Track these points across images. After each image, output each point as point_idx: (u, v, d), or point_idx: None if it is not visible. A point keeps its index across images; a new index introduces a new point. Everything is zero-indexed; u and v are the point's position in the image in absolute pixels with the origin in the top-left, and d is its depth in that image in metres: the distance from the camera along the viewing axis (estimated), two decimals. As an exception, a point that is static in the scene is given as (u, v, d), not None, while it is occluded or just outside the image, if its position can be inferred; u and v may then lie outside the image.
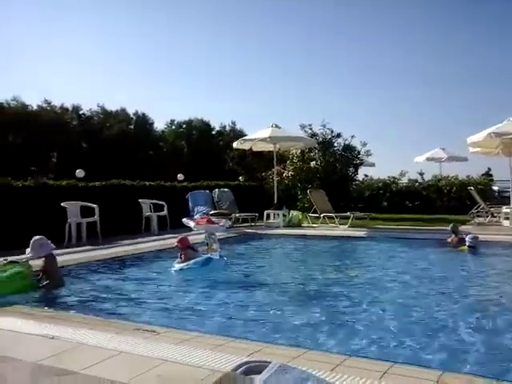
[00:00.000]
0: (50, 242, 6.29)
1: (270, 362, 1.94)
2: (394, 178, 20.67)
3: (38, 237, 6.23)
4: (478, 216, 14.36)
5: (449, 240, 9.50)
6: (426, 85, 36.05)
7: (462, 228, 11.03)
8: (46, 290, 5.92)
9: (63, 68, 40.87)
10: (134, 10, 38.73)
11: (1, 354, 3.28)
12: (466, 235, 9.19)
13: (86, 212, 10.79)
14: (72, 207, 10.56)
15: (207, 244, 7.50)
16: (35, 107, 33.01)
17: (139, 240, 10.38)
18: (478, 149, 14.84)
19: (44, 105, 33.45)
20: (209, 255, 6.95)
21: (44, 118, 32.13)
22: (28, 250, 6.12)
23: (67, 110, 34.53)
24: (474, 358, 3.60)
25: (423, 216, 16.08)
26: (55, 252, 6.39)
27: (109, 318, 4.61)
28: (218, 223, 7.75)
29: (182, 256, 7.14)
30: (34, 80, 40.01)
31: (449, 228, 9.72)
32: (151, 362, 3.08)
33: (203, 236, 7.84)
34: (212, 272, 6.75)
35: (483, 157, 16.85)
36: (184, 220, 8.19)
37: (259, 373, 1.99)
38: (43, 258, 6.13)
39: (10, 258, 6.18)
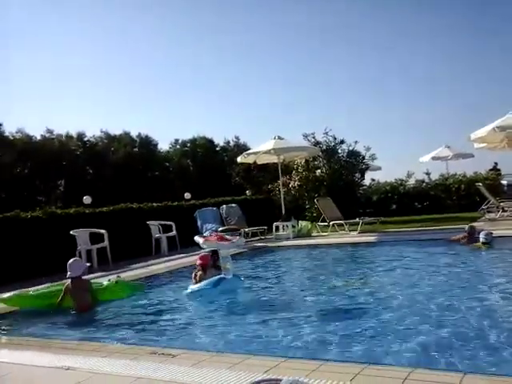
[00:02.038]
0: (80, 264, 6.72)
1: (280, 380, 1.90)
2: (401, 180, 20.58)
3: (72, 259, 6.65)
4: (489, 212, 14.22)
5: (458, 238, 9.42)
6: (425, 82, 35.92)
7: (474, 225, 10.89)
8: (71, 313, 6.23)
9: (64, 95, 41.29)
10: (131, 31, 39.14)
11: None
12: (479, 232, 9.07)
13: (95, 238, 10.82)
14: (81, 234, 10.60)
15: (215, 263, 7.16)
16: (39, 137, 33.33)
17: (150, 262, 10.36)
18: (483, 144, 14.79)
19: (47, 134, 33.74)
20: (221, 275, 6.68)
21: (49, 148, 32.39)
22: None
23: (71, 137, 34.82)
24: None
25: (433, 216, 15.96)
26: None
27: (124, 343, 4.59)
28: (230, 240, 7.11)
29: (198, 275, 6.90)
30: (35, 109, 40.47)
31: (466, 228, 9.56)
32: (168, 385, 3.05)
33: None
34: (226, 293, 6.54)
35: (489, 152, 16.76)
36: (195, 238, 7.77)
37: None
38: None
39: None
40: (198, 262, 7.09)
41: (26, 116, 43.57)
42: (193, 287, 6.84)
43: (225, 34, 36.87)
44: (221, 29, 37.18)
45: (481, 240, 8.84)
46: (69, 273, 6.41)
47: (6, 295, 6.68)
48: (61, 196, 33.45)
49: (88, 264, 7.25)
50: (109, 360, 3.72)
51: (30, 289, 6.94)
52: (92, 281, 7.16)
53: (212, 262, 7.16)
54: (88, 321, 5.97)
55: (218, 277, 6.70)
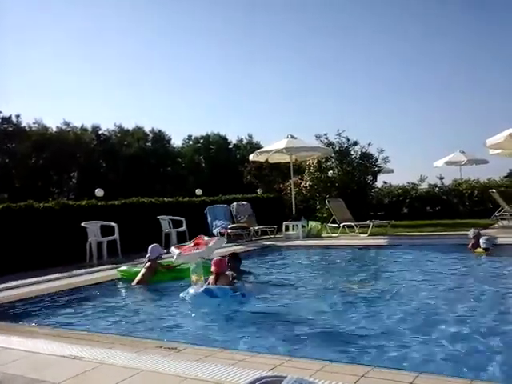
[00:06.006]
0: (158, 249, 7.81)
1: (285, 377, 1.89)
2: (413, 183, 20.40)
3: (152, 244, 7.83)
4: (502, 219, 14.06)
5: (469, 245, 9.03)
6: (441, 88, 35.71)
7: (487, 231, 10.77)
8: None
9: (79, 88, 41.80)
10: (147, 26, 39.49)
11: (26, 376, 3.30)
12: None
13: (106, 231, 10.90)
14: (92, 227, 10.67)
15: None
16: (55, 129, 33.66)
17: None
18: (499, 150, 14.59)
19: (63, 126, 34.06)
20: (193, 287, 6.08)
21: (64, 140, 32.70)
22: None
23: (86, 130, 35.11)
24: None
25: (445, 221, 15.80)
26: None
27: (130, 335, 4.62)
28: (206, 243, 6.69)
29: (210, 281, 6.13)
30: (52, 101, 40.95)
31: (470, 233, 9.16)
32: (172, 379, 3.07)
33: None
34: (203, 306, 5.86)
35: (504, 158, 16.56)
36: (171, 249, 7.34)
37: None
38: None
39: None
40: (212, 268, 6.16)
41: (43, 107, 44.13)
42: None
43: (246, 33, 36.95)
44: (234, 30, 37.32)
45: (481, 245, 8.63)
46: (148, 254, 7.62)
47: (122, 267, 8.10)
48: (73, 188, 33.77)
49: (165, 251, 8.14)
50: (115, 351, 3.75)
51: (135, 265, 8.34)
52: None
53: (228, 268, 6.53)
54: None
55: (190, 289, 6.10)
